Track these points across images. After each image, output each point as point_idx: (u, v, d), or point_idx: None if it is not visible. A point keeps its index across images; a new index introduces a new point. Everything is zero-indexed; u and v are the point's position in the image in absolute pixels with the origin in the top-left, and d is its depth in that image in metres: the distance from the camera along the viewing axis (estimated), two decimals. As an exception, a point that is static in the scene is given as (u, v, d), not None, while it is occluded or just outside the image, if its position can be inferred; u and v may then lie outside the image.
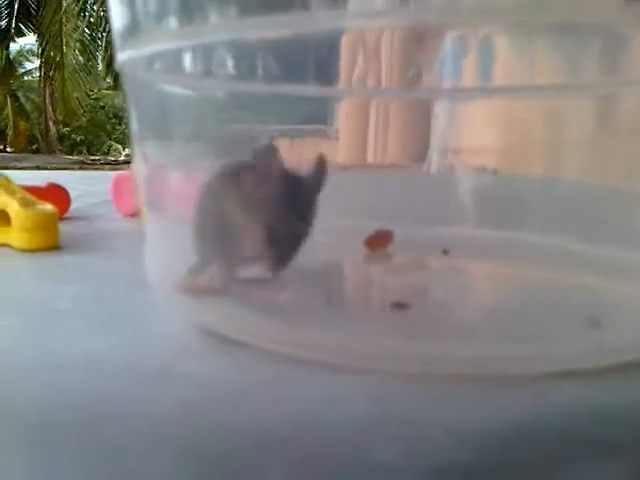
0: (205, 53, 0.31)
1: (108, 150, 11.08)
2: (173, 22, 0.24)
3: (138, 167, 0.32)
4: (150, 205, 0.32)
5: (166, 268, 0.30)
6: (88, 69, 9.18)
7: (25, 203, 0.45)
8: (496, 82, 0.44)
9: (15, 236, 0.44)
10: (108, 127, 13.03)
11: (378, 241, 0.41)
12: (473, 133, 0.49)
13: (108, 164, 3.62)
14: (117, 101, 11.91)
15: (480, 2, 0.24)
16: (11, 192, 0.46)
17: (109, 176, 1.04)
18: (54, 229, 0.45)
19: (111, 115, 12.99)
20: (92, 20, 8.81)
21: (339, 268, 0.38)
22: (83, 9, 8.62)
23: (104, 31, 8.59)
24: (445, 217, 0.39)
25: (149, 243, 0.31)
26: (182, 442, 0.18)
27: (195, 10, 0.24)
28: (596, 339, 0.23)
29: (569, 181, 0.38)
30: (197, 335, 0.26)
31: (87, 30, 8.82)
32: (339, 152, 0.51)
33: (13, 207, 0.44)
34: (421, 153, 0.48)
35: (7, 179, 0.48)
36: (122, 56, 0.27)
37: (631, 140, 0.35)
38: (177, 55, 0.29)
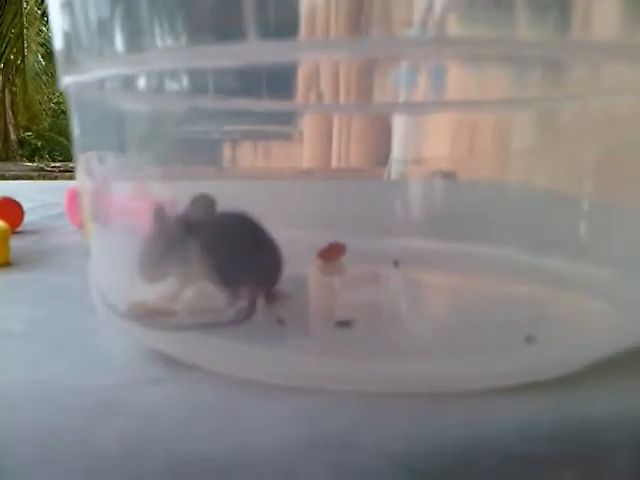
0: (157, 76, 0.31)
1: (71, 156, 10.88)
2: (119, 49, 0.24)
3: (83, 180, 0.31)
4: (95, 219, 0.32)
5: (115, 288, 0.30)
6: (50, 72, 9.04)
7: (-26, 219, 0.44)
8: (448, 96, 0.45)
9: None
10: (69, 132, 12.79)
11: (331, 253, 0.42)
12: (427, 142, 0.50)
13: (68, 171, 3.57)
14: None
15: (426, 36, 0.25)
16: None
17: (68, 187, 1.03)
18: (5, 246, 0.44)
19: (74, 119, 12.75)
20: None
21: (294, 282, 0.38)
22: (46, 12, 8.48)
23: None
24: (397, 228, 0.40)
25: (95, 260, 0.31)
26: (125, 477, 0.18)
27: (141, 37, 0.24)
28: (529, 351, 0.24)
29: (517, 189, 0.39)
30: (148, 359, 0.26)
31: (50, 34, 8.69)
32: (303, 155, 0.51)
33: (-38, 223, 0.43)
34: (383, 158, 0.49)
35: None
36: (67, 80, 0.27)
37: (573, 149, 0.36)
38: (127, 78, 0.29)
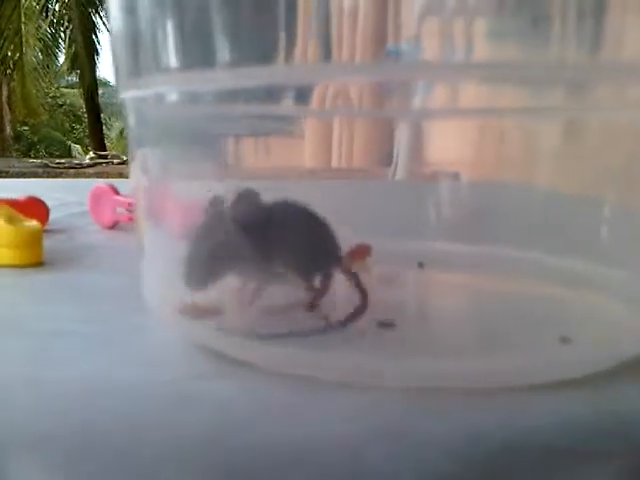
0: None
1: (69, 151, 10.89)
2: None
3: (137, 177, 0.33)
4: (150, 218, 0.33)
5: (166, 287, 0.31)
6: (47, 67, 9.05)
7: (11, 219, 0.45)
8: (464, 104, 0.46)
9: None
10: (66, 126, 12.76)
11: (358, 255, 0.43)
12: (441, 146, 0.51)
13: (73, 168, 3.56)
14: (76, 100, 11.69)
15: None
16: (-6, 207, 0.46)
17: (81, 185, 1.04)
18: (39, 245, 0.46)
19: (70, 114, 12.74)
20: (54, 19, 8.69)
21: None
22: (45, 7, 8.48)
23: (66, 29, 8.47)
24: (419, 230, 0.41)
25: (147, 260, 0.32)
26: (210, 462, 0.19)
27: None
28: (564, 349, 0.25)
29: (538, 192, 0.40)
30: (203, 357, 0.27)
31: (49, 29, 8.70)
32: (305, 154, 0.52)
33: (-2, 223, 0.45)
34: (387, 158, 0.50)
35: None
36: (125, 94, 0.29)
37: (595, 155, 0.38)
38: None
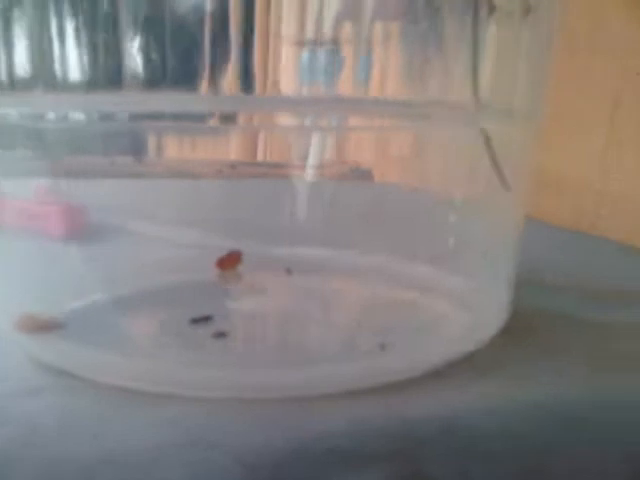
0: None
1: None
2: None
3: None
4: None
5: (6, 297, 0.31)
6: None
7: None
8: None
9: None
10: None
11: (229, 262, 0.44)
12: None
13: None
14: None
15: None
16: None
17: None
18: None
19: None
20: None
21: (189, 290, 0.40)
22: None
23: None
24: (289, 235, 0.42)
25: None
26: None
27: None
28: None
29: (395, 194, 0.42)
30: (34, 372, 0.27)
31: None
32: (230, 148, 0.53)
33: None
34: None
35: None
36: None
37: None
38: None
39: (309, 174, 0.50)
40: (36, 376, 0.27)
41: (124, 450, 0.21)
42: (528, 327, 0.33)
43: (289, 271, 0.42)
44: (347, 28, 0.31)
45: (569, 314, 0.35)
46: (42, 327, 0.29)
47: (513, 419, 0.24)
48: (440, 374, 0.27)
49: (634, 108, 0.62)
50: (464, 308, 0.34)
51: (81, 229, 0.40)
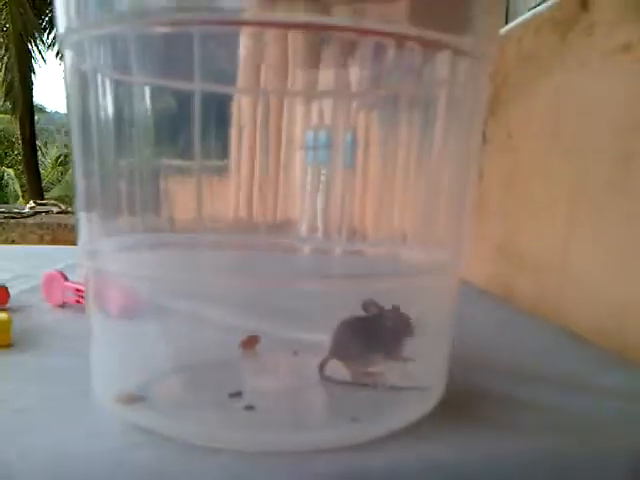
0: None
1: (1, 177, 10.72)
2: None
3: (86, 264, 0.45)
4: (95, 302, 0.46)
5: (110, 373, 0.46)
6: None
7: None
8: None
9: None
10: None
11: (250, 343, 0.59)
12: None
13: (13, 217, 3.60)
14: (10, 126, 11.51)
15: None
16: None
17: (28, 252, 1.16)
18: (8, 332, 0.59)
19: (4, 140, 12.50)
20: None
21: (225, 366, 0.55)
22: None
23: (3, 57, 8.43)
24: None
25: (94, 344, 0.47)
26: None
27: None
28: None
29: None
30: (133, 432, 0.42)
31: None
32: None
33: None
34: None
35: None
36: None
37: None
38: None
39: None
40: (135, 435, 0.41)
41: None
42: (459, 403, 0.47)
43: (295, 353, 0.57)
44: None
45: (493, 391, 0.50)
46: (134, 400, 0.44)
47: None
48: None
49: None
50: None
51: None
